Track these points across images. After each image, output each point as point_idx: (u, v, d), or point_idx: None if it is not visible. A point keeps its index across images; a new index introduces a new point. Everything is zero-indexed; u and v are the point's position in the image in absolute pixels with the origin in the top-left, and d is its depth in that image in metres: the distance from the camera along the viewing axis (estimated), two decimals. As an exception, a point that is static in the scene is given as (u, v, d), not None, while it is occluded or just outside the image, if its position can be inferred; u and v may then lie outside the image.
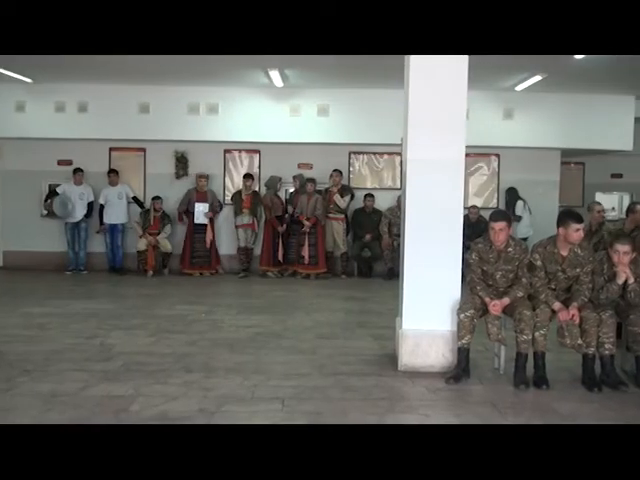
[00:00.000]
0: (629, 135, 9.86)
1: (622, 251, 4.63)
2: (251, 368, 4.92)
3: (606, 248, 4.98)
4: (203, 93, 9.70)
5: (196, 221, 9.75)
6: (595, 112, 9.76)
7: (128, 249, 10.11)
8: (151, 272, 9.71)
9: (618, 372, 4.70)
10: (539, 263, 4.77)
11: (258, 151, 10.44)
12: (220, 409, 4.00)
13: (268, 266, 9.76)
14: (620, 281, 4.65)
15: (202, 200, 9.81)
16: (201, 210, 9.75)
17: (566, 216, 4.73)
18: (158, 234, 9.77)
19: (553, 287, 4.80)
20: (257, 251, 10.04)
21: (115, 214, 10.00)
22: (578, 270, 4.73)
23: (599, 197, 11.38)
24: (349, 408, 4.10)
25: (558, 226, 4.74)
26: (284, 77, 8.83)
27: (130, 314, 6.87)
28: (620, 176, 12.01)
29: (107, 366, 4.88)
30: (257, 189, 10.23)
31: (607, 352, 4.58)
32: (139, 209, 10.12)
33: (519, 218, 9.88)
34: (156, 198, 9.89)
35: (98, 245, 10.21)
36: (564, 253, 4.75)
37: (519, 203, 10.14)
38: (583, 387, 4.58)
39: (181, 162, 10.35)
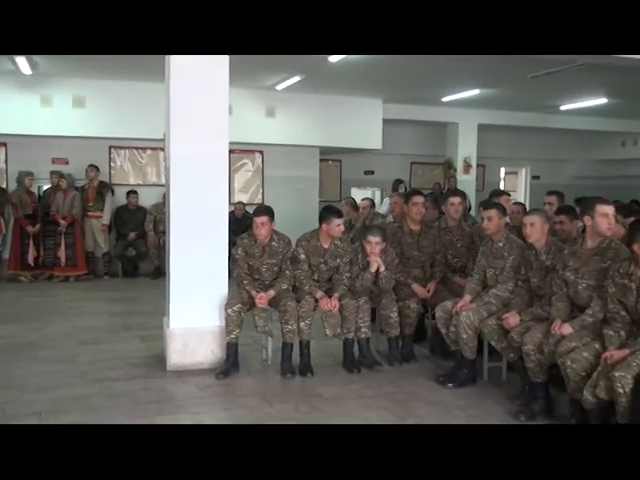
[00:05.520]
0: (378, 135, 10.73)
1: (374, 242, 5.02)
2: (1, 383, 4.44)
3: (361, 240, 5.36)
4: None
5: None
6: (349, 113, 10.44)
7: None
8: None
9: (373, 353, 5.10)
10: (303, 257, 5.00)
11: (4, 144, 9.46)
12: (-37, 433, 3.54)
13: (17, 270, 8.86)
14: (373, 269, 5.04)
15: None
16: None
17: (328, 213, 5.02)
18: None
19: (316, 278, 5.06)
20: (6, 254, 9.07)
21: None
22: (338, 260, 5.04)
23: (354, 192, 12.28)
24: (115, 415, 3.90)
25: (321, 222, 5.01)
26: (33, 64, 8.08)
27: None
28: (372, 173, 13.07)
29: None
30: (5, 186, 9.26)
31: (363, 335, 4.95)
32: None
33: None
34: None
35: None
36: (326, 246, 5.03)
37: (385, 200, 9.50)
38: (344, 370, 4.89)
39: None
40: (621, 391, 3.31)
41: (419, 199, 5.47)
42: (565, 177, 13.86)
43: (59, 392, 4.31)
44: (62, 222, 8.86)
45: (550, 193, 5.57)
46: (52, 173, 9.13)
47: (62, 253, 8.87)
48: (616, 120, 12.40)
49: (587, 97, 10.23)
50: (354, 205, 7.19)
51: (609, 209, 3.88)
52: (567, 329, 3.83)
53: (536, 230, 4.28)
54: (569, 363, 3.64)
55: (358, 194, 11.25)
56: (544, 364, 3.98)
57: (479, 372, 4.72)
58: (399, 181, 9.77)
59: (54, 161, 9.54)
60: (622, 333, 3.61)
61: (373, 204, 7.07)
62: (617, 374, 3.34)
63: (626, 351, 3.47)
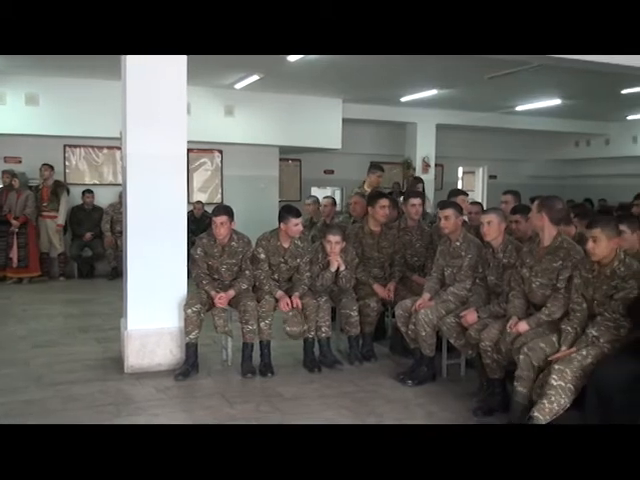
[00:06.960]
0: (338, 135, 10.76)
1: (334, 241, 5.02)
2: (-49, 389, 4.32)
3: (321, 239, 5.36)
4: None
5: None
6: (309, 113, 10.45)
7: None
8: None
9: (334, 352, 5.11)
10: (262, 256, 4.97)
11: (-44, 143, 9.19)
12: None
13: (-31, 272, 8.62)
14: (333, 269, 5.05)
15: None
16: None
17: (286, 212, 4.98)
18: None
19: (276, 278, 5.04)
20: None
21: None
22: (298, 260, 5.02)
23: (314, 191, 12.28)
24: (72, 419, 3.82)
25: (279, 222, 4.99)
26: (-17, 61, 7.87)
27: None
28: (332, 172, 13.11)
29: None
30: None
31: (324, 335, 4.95)
32: None
33: None
34: None
35: None
36: (286, 245, 5.01)
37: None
38: (305, 369, 4.89)
39: None
40: (554, 383, 3.36)
41: (386, 202, 5.49)
42: (521, 177, 14.13)
43: (13, 396, 4.21)
44: (14, 222, 8.63)
45: (506, 192, 5.66)
46: (4, 172, 8.87)
47: (14, 254, 8.65)
48: (570, 121, 12.71)
49: (542, 98, 10.45)
50: (318, 204, 7.15)
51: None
52: (523, 327, 3.89)
53: (493, 229, 4.34)
54: (525, 350, 3.67)
55: (318, 193, 11.22)
56: (501, 361, 4.05)
57: (438, 369, 4.78)
58: (417, 180, 8.61)
59: (6, 160, 9.29)
60: (579, 329, 3.68)
61: (335, 202, 7.05)
62: (557, 367, 3.41)
63: (573, 349, 3.55)
